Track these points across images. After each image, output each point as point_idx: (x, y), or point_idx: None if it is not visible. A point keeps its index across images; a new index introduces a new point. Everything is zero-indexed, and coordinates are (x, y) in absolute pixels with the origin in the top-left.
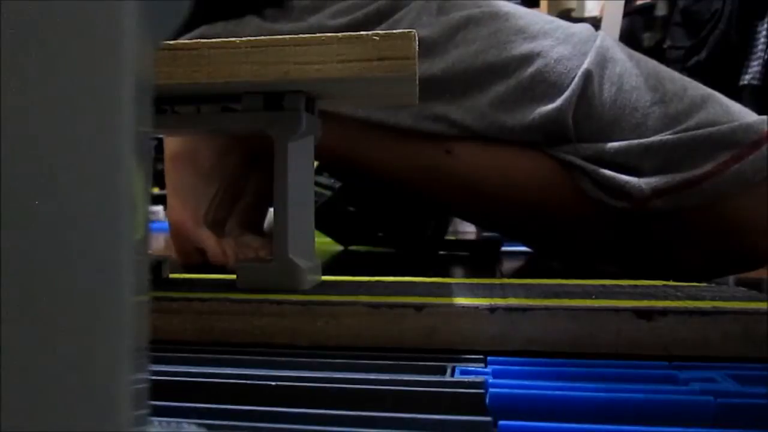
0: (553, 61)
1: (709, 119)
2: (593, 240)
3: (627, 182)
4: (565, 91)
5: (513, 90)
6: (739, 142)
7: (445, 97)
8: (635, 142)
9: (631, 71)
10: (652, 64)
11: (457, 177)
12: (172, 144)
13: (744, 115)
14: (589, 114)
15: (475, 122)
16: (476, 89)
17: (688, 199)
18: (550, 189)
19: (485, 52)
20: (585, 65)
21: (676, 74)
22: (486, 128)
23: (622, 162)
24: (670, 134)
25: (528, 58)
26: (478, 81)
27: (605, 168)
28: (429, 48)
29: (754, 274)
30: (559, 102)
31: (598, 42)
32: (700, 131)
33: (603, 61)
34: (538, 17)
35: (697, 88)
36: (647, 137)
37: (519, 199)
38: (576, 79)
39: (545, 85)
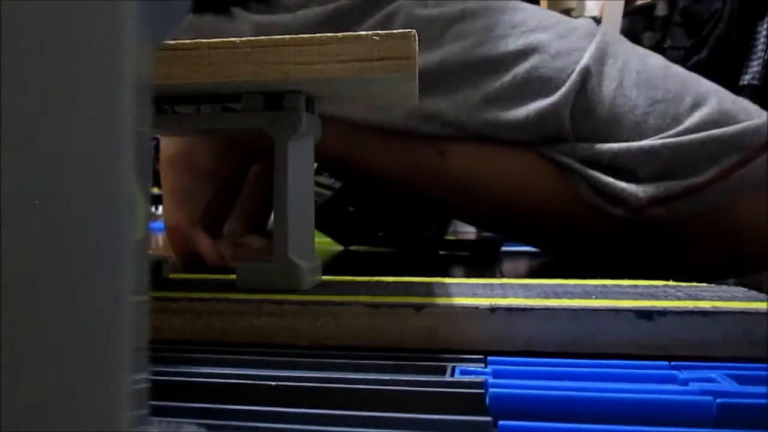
0: (550, 56)
1: (713, 118)
2: (590, 242)
3: (624, 189)
4: (562, 86)
5: (508, 85)
6: (747, 145)
7: (437, 93)
8: (635, 144)
9: (632, 68)
10: (657, 60)
11: (449, 179)
12: (167, 146)
13: (751, 113)
14: (587, 111)
15: (468, 120)
16: (470, 84)
17: (688, 207)
18: (545, 192)
19: (480, 46)
20: (584, 60)
21: (681, 70)
22: (480, 127)
23: (621, 165)
24: (671, 135)
25: (524, 53)
26: (472, 76)
27: (603, 171)
28: (422, 41)
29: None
30: (555, 98)
31: (598, 37)
32: (704, 134)
33: (603, 56)
34: (538, 11)
35: (701, 85)
36: (648, 137)
37: (513, 201)
38: (574, 74)
39: (541, 81)
